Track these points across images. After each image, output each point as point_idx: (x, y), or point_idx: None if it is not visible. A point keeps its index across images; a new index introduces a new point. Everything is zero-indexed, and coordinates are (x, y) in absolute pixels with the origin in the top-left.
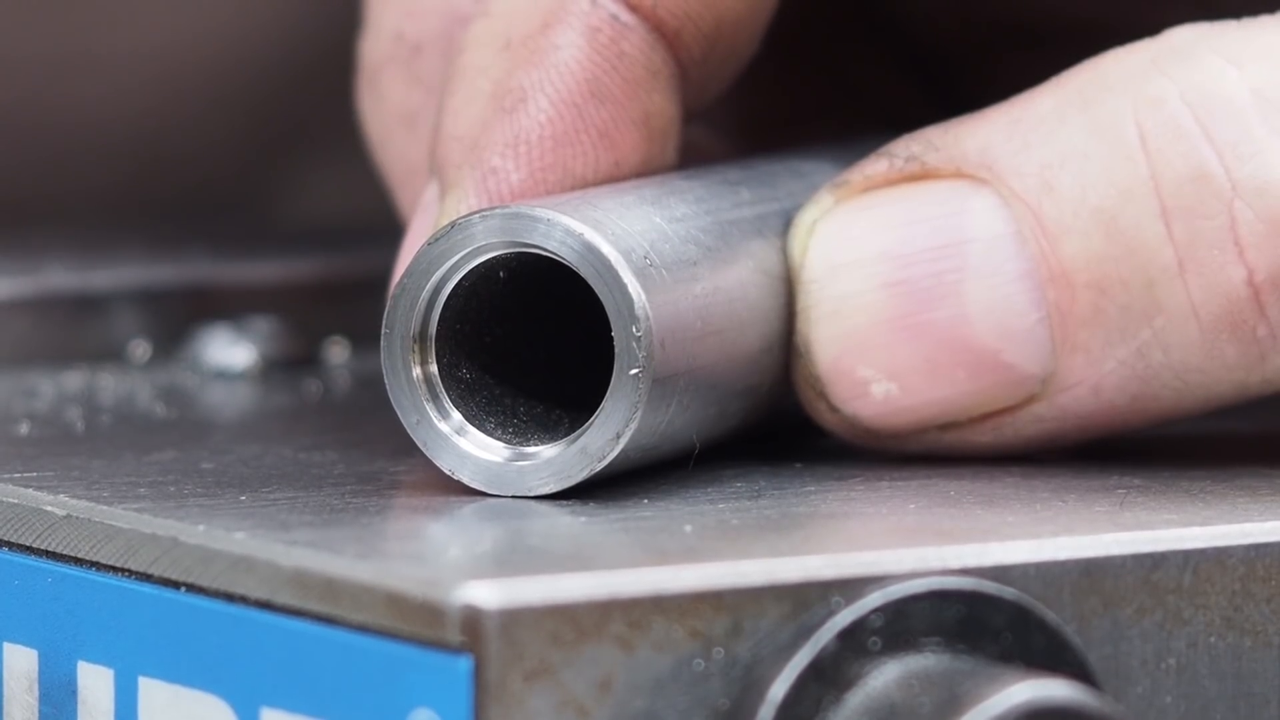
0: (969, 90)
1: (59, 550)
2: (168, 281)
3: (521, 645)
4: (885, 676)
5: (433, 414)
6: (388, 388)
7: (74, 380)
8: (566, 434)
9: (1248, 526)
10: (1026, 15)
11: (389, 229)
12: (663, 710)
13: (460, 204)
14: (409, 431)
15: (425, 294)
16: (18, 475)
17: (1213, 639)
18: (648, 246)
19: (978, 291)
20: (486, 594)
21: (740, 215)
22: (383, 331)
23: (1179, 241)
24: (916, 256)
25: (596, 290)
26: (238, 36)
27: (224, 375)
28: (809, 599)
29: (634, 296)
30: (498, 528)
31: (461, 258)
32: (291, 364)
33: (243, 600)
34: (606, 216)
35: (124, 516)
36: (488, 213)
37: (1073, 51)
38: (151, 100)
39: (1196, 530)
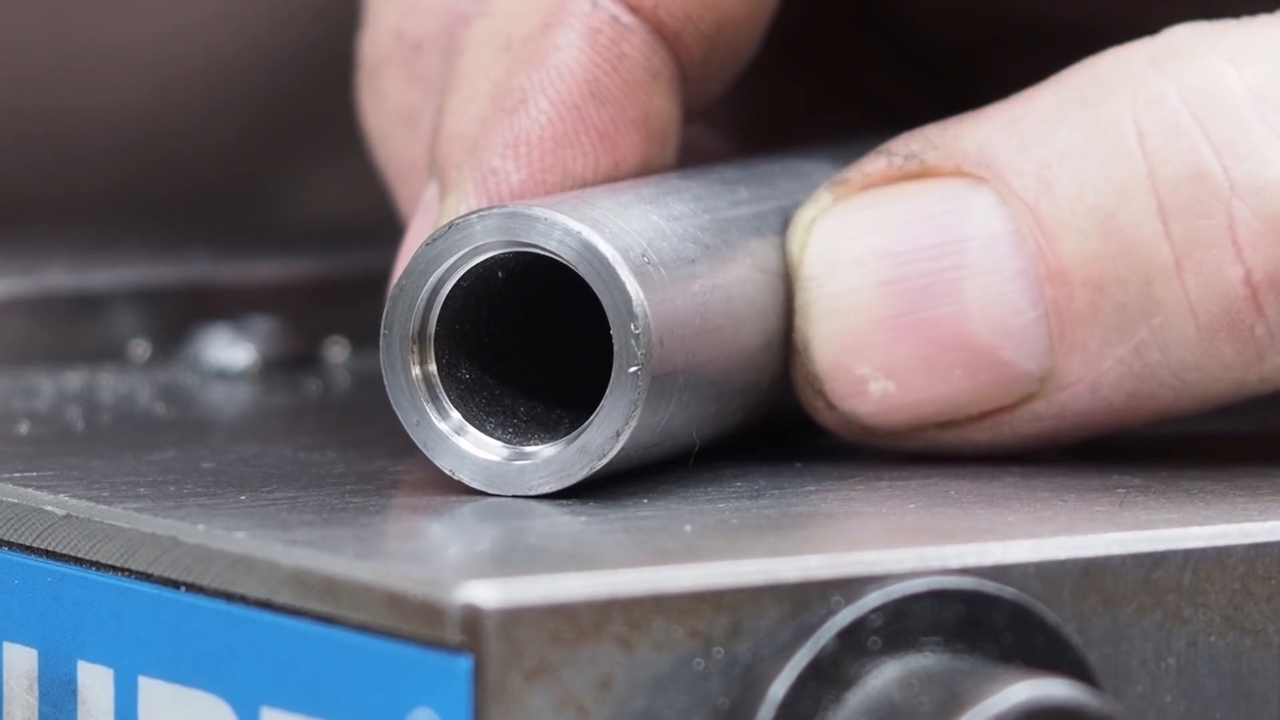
0: (968, 89)
1: (59, 550)
2: (168, 281)
3: (521, 645)
4: (885, 676)
5: (432, 414)
6: (387, 388)
7: (74, 380)
8: (566, 433)
9: (1248, 526)
10: (1026, 14)
11: (389, 229)
12: (662, 710)
13: (460, 205)
14: (408, 431)
15: (424, 294)
16: (17, 475)
17: (1213, 638)
18: (645, 245)
19: (976, 289)
20: (486, 593)
21: (738, 214)
22: (382, 332)
23: (1176, 240)
24: (915, 254)
25: (595, 288)
26: (238, 36)
27: (224, 375)
28: (809, 598)
29: (632, 294)
30: (497, 527)
31: (460, 257)
32: (291, 364)
33: (242, 600)
34: (604, 215)
35: (124, 516)
36: (486, 212)
37: (1072, 50)
38: (151, 100)
39: (1196, 530)
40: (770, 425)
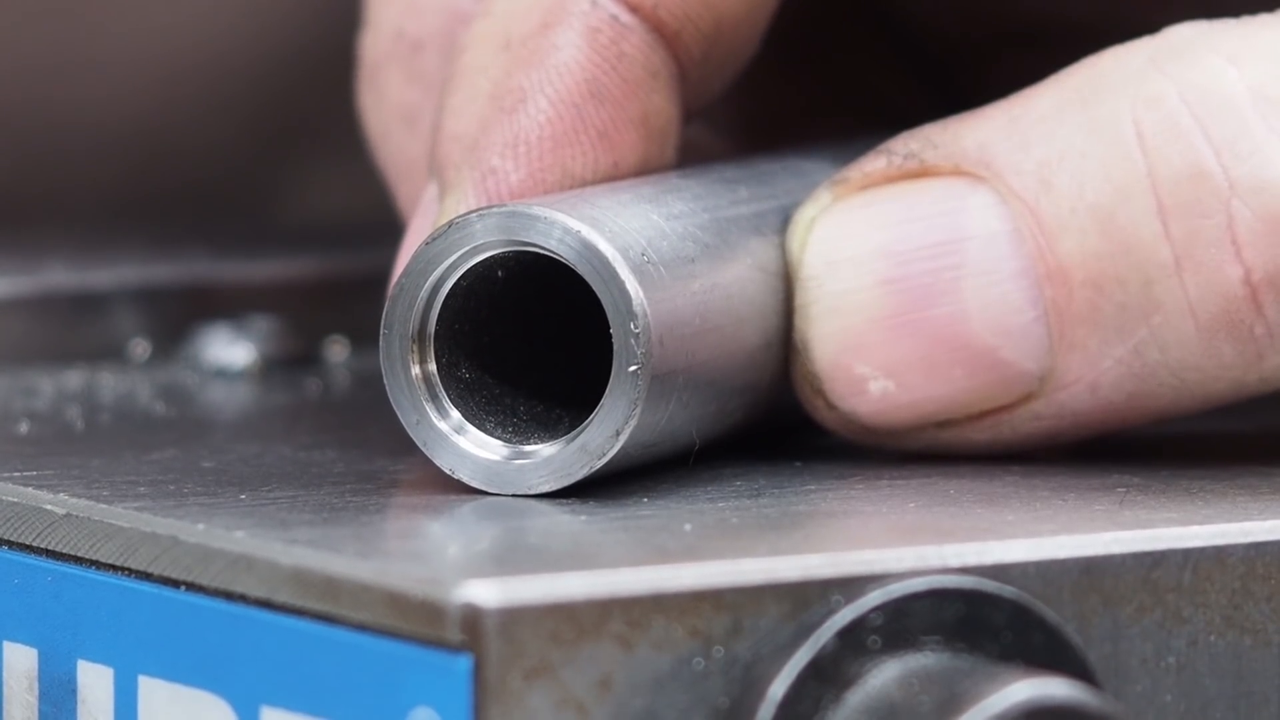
0: (968, 88)
1: (59, 549)
2: (168, 280)
3: (521, 644)
4: (885, 675)
5: (432, 413)
6: (387, 387)
7: (74, 379)
8: (566, 432)
9: (1247, 525)
10: (1026, 15)
11: (389, 228)
12: (662, 709)
13: (460, 204)
14: (408, 430)
15: (424, 293)
16: (17, 474)
17: (1212, 638)
18: (645, 244)
19: (975, 289)
20: (486, 592)
21: (738, 213)
22: (381, 331)
23: (1176, 240)
24: (914, 254)
25: (594, 287)
26: (238, 35)
27: (224, 374)
28: (809, 598)
29: (632, 293)
30: (497, 526)
31: (460, 256)
32: (291, 363)
33: (242, 599)
34: (604, 214)
35: (124, 515)
36: (485, 211)
37: (1072, 50)
38: (152, 99)
39: (1196, 529)
40: (770, 425)
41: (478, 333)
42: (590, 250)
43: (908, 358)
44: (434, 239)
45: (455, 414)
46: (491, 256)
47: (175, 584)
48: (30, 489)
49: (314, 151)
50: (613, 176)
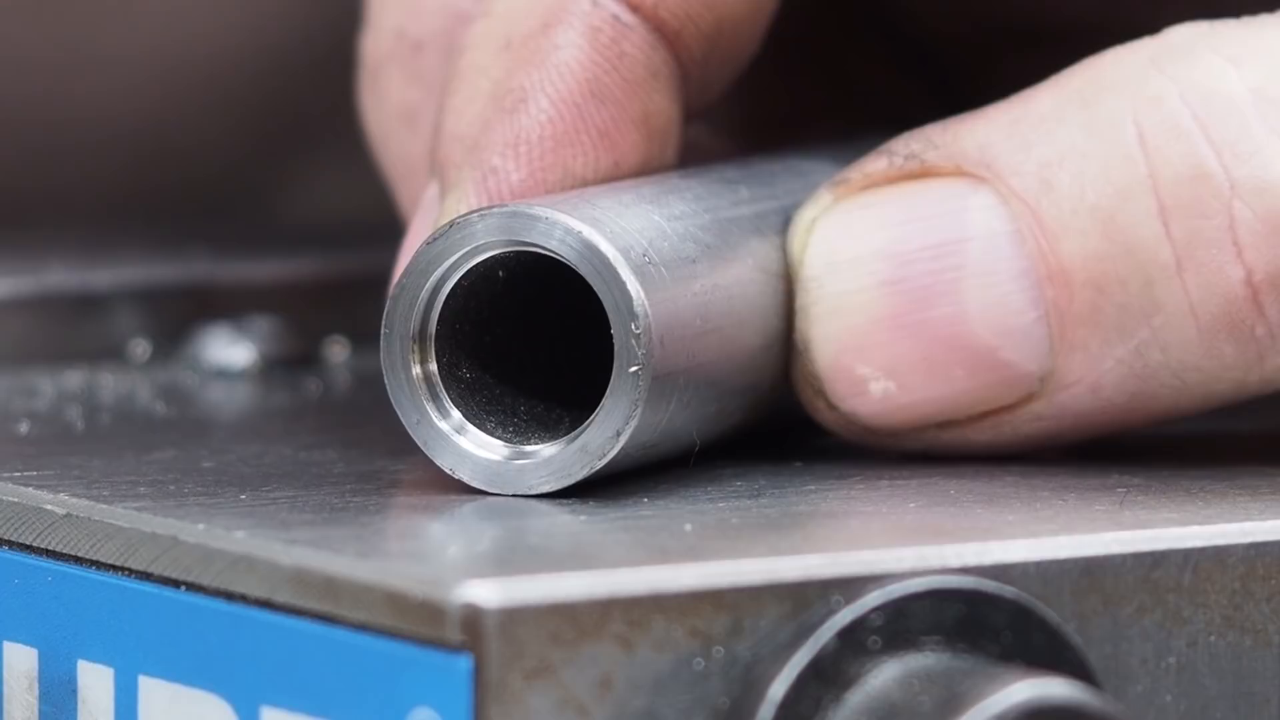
0: (969, 89)
1: (59, 549)
2: (168, 281)
3: (521, 644)
4: (885, 675)
5: (432, 413)
6: (387, 387)
7: (74, 379)
8: (567, 433)
9: (1248, 525)
10: (1026, 15)
11: (389, 228)
12: (663, 709)
13: (460, 204)
14: (409, 430)
15: (424, 293)
16: (18, 474)
17: (1213, 638)
18: (646, 244)
19: (976, 290)
20: (486, 593)
21: (739, 213)
22: (382, 331)
23: (1177, 240)
24: (915, 254)
25: (595, 288)
26: (238, 35)
27: (224, 374)
28: (809, 598)
29: (633, 294)
30: (497, 526)
31: (460, 257)
32: (291, 363)
33: (243, 599)
34: (605, 215)
35: (124, 515)
36: (486, 211)
37: (1073, 51)
38: (152, 99)
39: (1196, 529)
40: (770, 425)
41: (478, 333)
42: (591, 251)
43: (909, 358)
44: (435, 239)
45: (456, 414)
46: (492, 257)
47: (175, 584)
48: (30, 489)
49: (314, 151)
50: (614, 176)
